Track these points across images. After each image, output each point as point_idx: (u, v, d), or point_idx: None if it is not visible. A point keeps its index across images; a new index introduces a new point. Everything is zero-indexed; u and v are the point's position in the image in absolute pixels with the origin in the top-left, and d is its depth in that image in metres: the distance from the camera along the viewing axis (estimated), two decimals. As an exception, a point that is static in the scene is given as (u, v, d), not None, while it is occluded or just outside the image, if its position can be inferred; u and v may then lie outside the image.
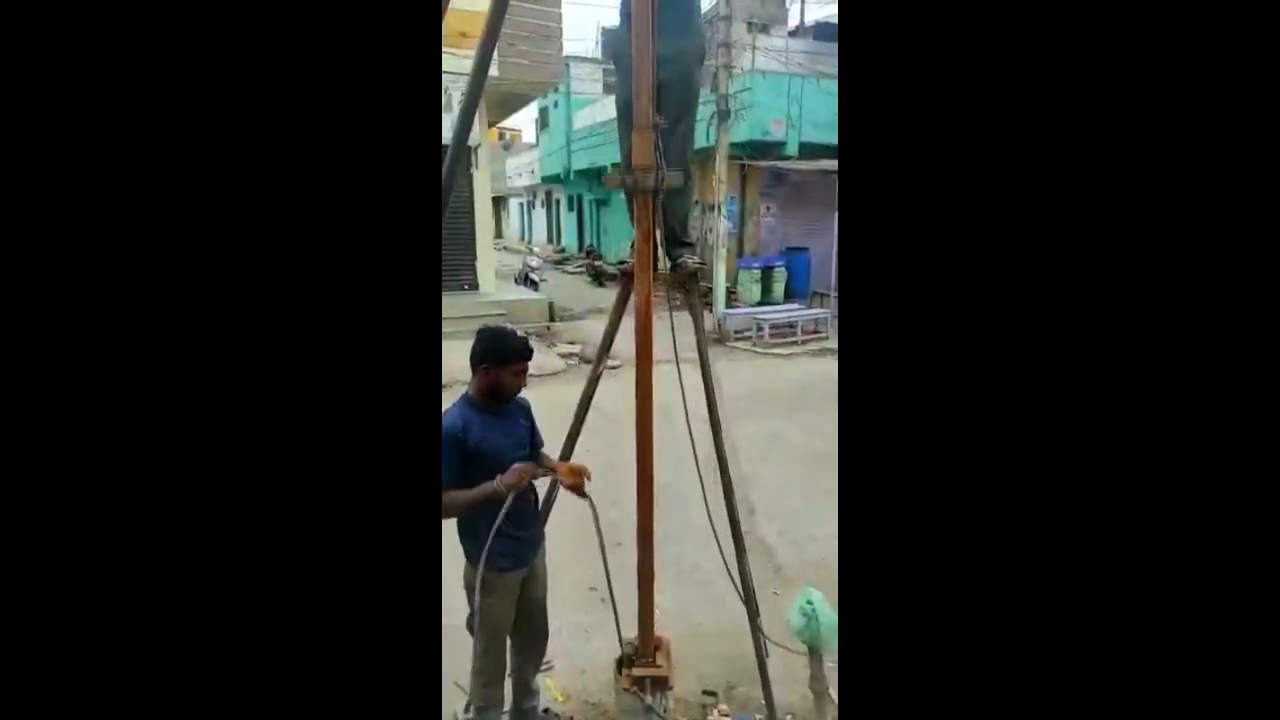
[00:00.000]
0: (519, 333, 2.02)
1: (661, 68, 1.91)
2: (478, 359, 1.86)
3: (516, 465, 1.80)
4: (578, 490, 1.97)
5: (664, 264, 2.12)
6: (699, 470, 2.13)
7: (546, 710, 2.34)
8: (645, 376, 1.94)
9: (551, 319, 9.75)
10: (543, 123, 21.30)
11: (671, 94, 2.00)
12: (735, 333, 9.05)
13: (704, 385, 2.33)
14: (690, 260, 2.13)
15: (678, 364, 2.04)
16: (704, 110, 7.21)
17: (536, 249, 20.59)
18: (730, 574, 2.29)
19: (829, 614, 2.12)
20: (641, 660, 2.10)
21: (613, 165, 13.92)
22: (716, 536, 2.20)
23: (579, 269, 16.49)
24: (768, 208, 11.63)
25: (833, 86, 10.19)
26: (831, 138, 10.43)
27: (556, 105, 18.98)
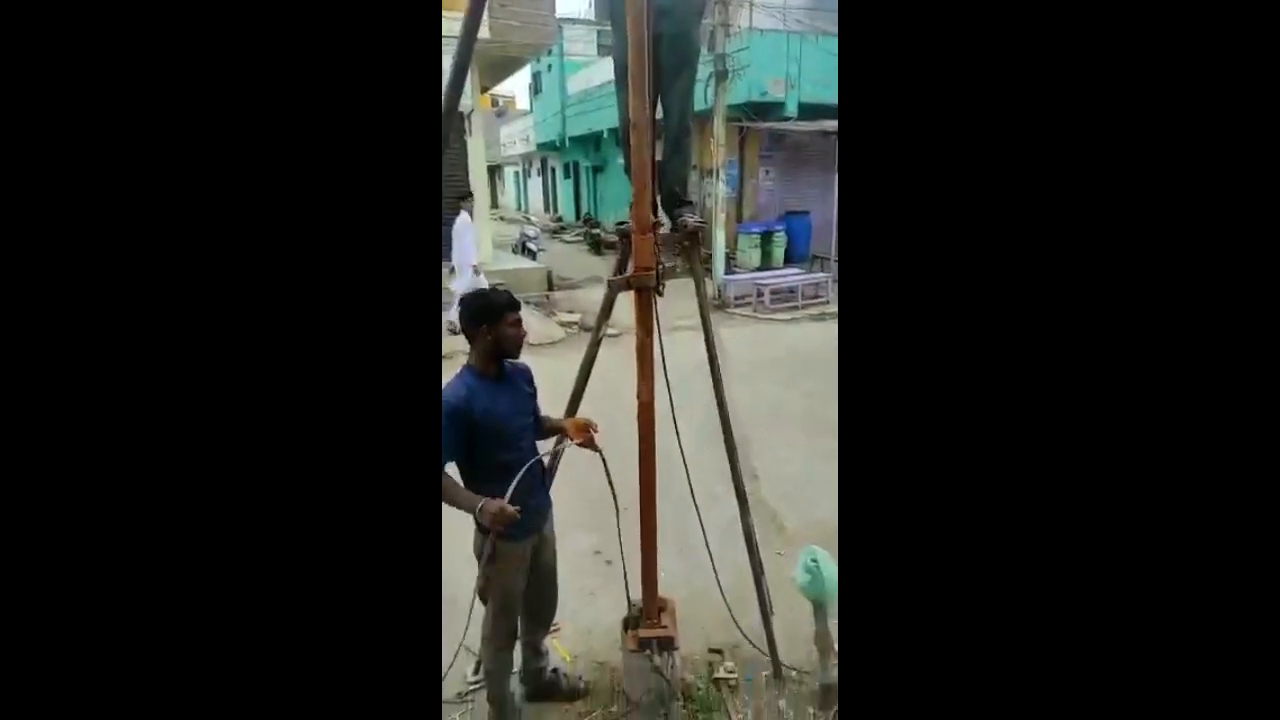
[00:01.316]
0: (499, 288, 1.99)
1: (660, 21, 1.84)
2: (472, 323, 1.82)
3: (496, 508, 1.68)
4: (590, 445, 1.96)
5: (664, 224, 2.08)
6: (677, 432, 2.12)
7: (555, 670, 2.38)
8: (646, 341, 1.92)
9: (550, 288, 9.69)
10: (536, 88, 20.89)
11: (670, 48, 1.94)
12: (736, 299, 9.00)
13: (706, 349, 2.31)
14: (690, 219, 2.09)
15: (659, 332, 2.01)
16: (701, 71, 7.05)
17: (534, 218, 20.38)
18: (704, 548, 2.30)
19: (833, 571, 2.13)
20: (647, 621, 2.13)
21: (609, 131, 13.73)
22: (708, 500, 2.20)
23: (576, 238, 16.34)
24: (767, 171, 11.46)
25: (833, 44, 9.96)
26: (832, 97, 10.22)
27: (550, 69, 18.59)
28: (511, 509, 1.70)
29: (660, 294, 1.94)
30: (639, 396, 1.98)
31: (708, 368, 2.21)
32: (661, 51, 1.90)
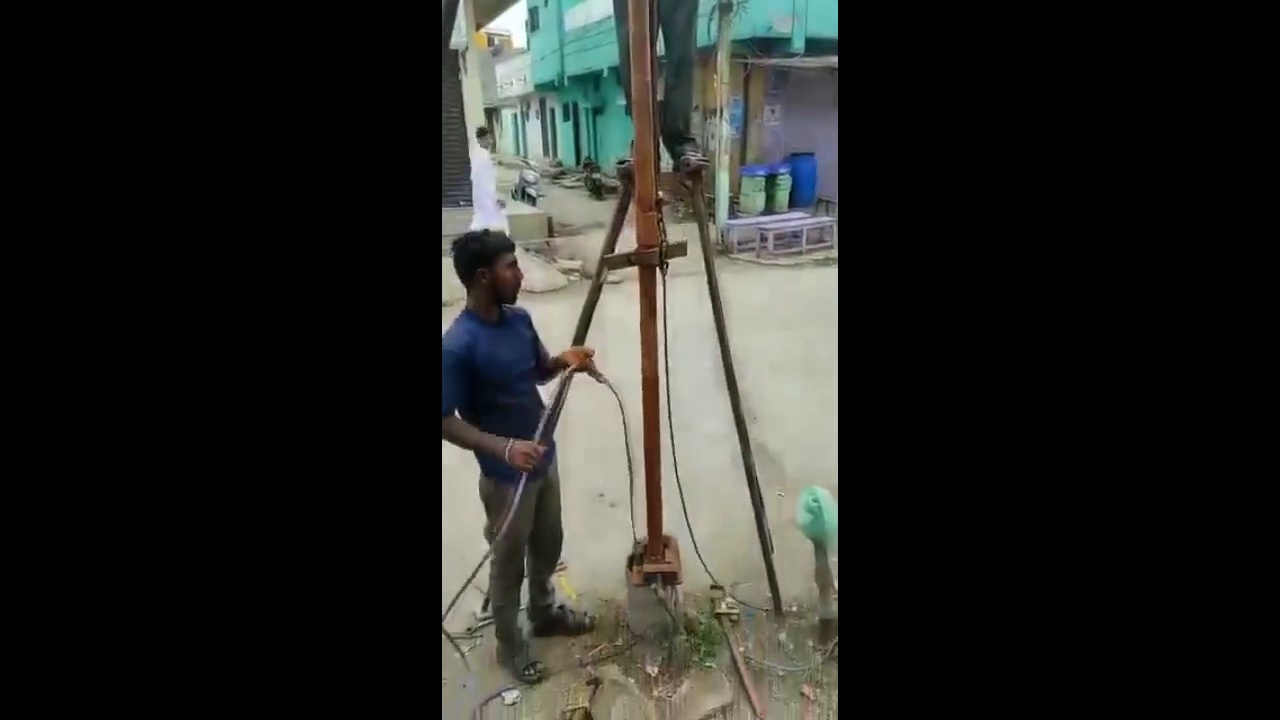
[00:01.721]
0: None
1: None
2: (468, 268, 1.79)
3: (526, 446, 1.74)
4: (592, 371, 1.98)
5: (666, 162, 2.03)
6: (667, 393, 2.11)
7: (561, 607, 2.45)
8: (649, 283, 1.89)
9: (551, 235, 9.56)
10: (533, 24, 20.09)
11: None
12: (739, 244, 8.88)
13: (709, 291, 2.28)
14: (694, 156, 2.03)
15: (659, 270, 1.98)
16: (704, 4, 6.75)
17: (533, 162, 19.91)
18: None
19: (833, 511, 2.17)
20: (651, 558, 2.18)
21: (609, 69, 13.25)
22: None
23: (577, 182, 16.02)
24: (772, 110, 11.10)
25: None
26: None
27: (546, 3, 17.83)
28: (541, 447, 1.76)
29: (665, 271, 1.91)
30: (643, 372, 1.98)
31: (709, 313, 2.19)
32: None
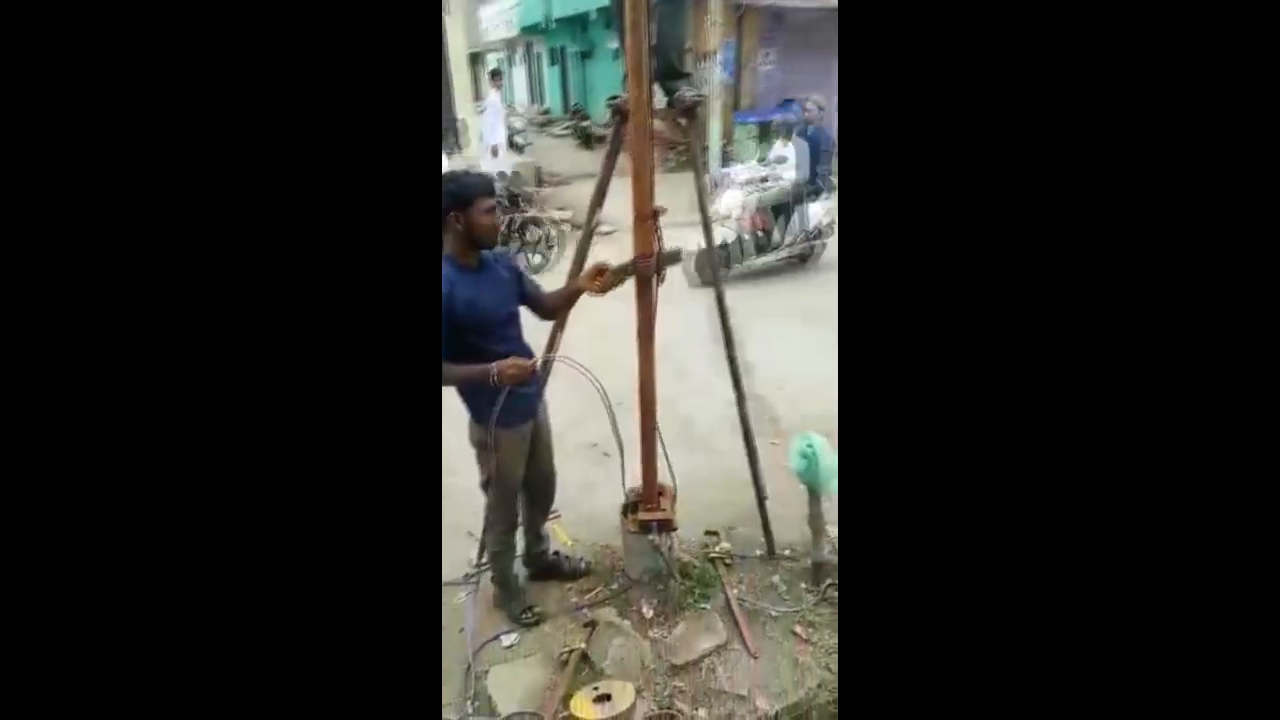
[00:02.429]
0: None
1: None
2: (443, 209, 1.72)
3: (515, 360, 1.74)
4: (609, 284, 1.90)
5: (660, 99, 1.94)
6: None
7: (557, 553, 2.47)
8: (644, 232, 1.84)
9: (539, 184, 9.35)
10: (518, -37, 19.22)
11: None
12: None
13: (704, 234, 2.23)
14: (688, 94, 1.94)
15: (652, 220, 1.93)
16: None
17: (520, 109, 19.35)
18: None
19: (827, 456, 2.17)
20: (647, 506, 2.19)
21: (597, 10, 12.75)
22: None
23: (565, 131, 15.61)
24: (766, 54, 10.76)
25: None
26: (838, -31, 9.45)
27: (532, -59, 17.03)
28: (527, 361, 1.76)
29: (661, 281, 1.86)
30: (640, 375, 1.95)
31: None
32: None
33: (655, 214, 1.80)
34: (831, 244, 5.86)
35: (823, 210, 5.66)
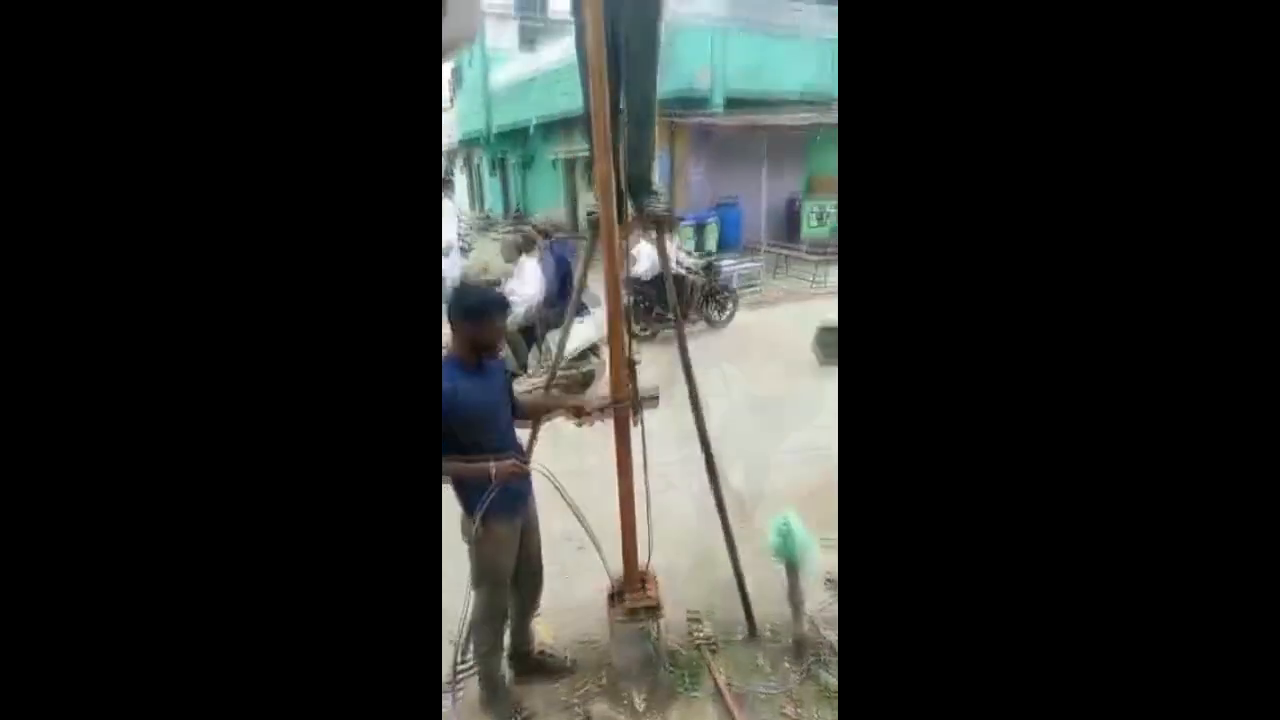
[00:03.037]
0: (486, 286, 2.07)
1: (620, 19, 1.92)
2: (464, 317, 1.88)
3: (515, 463, 1.91)
4: (591, 419, 2.08)
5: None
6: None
7: (541, 651, 2.43)
8: (616, 327, 2.00)
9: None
10: (457, 81, 20.37)
11: (633, 42, 2.02)
12: (673, 289, 9.11)
13: (675, 327, 2.41)
14: (658, 207, 2.18)
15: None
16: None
17: (461, 214, 19.84)
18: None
19: (803, 531, 2.29)
20: (633, 593, 2.22)
21: (536, 125, 13.53)
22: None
23: (506, 233, 16.06)
24: (696, 163, 11.67)
25: (758, 39, 10.25)
26: (759, 86, 10.49)
27: (471, 64, 18.18)
28: (521, 464, 1.91)
29: (636, 423, 2.08)
30: (620, 496, 2.12)
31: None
32: (623, 48, 1.98)
33: (631, 364, 2.04)
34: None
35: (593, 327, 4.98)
